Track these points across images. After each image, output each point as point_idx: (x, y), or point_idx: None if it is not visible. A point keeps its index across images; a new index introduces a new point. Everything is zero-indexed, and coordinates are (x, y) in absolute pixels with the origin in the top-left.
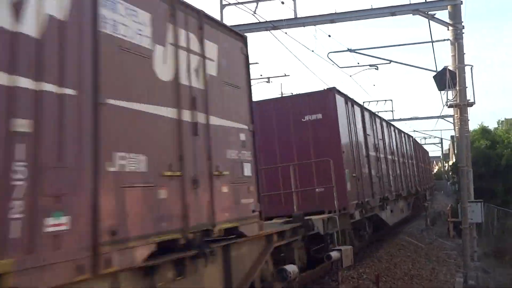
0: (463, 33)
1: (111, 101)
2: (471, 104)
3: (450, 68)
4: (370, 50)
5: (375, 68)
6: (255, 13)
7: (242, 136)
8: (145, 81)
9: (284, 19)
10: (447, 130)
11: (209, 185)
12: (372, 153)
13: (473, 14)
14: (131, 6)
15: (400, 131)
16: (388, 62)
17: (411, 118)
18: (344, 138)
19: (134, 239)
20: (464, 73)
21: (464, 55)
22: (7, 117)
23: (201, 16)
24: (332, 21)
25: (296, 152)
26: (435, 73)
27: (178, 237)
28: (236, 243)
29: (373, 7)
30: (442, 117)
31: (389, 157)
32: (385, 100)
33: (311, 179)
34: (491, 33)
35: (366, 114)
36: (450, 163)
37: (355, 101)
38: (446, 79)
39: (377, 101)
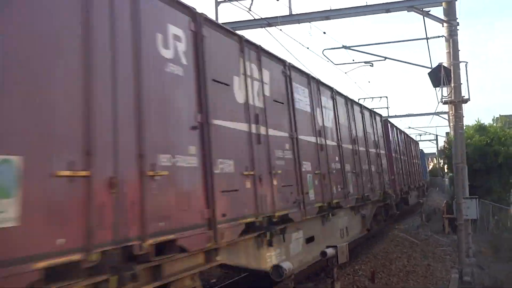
0: (458, 29)
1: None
2: (466, 101)
3: (445, 64)
4: (365, 47)
5: (370, 65)
6: (250, 10)
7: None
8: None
9: (279, 16)
10: (442, 127)
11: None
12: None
13: (467, 11)
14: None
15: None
16: (383, 59)
17: (406, 115)
18: None
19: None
20: (459, 69)
21: (459, 51)
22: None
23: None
24: (327, 18)
25: None
26: (430, 70)
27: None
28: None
29: (368, 4)
30: (437, 113)
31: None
32: (380, 97)
33: None
34: (486, 29)
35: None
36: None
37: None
38: (441, 76)
39: (372, 98)
